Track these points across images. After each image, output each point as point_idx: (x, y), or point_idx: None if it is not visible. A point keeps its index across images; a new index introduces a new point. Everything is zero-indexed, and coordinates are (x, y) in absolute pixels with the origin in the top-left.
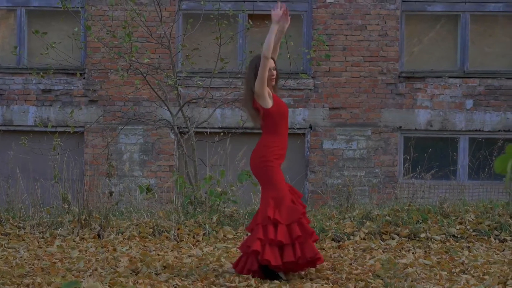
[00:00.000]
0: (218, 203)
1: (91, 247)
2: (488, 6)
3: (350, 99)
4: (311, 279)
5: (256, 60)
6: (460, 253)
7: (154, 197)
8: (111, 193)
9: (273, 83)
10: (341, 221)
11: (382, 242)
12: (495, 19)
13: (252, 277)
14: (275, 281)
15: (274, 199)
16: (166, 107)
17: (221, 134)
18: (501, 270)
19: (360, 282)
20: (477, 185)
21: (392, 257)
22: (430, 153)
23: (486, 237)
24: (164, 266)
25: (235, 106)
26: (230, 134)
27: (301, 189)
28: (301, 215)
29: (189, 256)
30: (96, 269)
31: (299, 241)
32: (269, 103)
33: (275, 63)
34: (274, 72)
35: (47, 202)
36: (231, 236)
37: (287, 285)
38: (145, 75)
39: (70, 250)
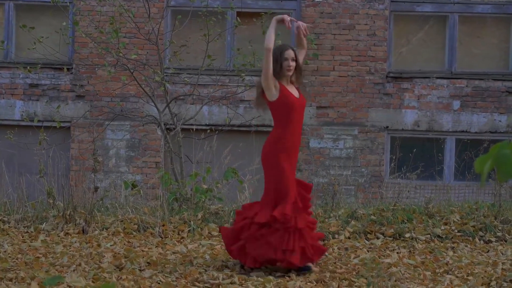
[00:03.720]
0: (203, 200)
1: (75, 242)
2: (476, 7)
3: (338, 98)
4: (296, 277)
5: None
6: (445, 254)
7: (139, 193)
8: (96, 189)
9: (289, 73)
10: (326, 220)
11: (366, 242)
12: (483, 21)
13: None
14: (260, 278)
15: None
16: (153, 104)
17: (208, 131)
18: (485, 271)
19: (344, 281)
20: (462, 186)
21: (377, 256)
22: (416, 154)
23: (470, 238)
24: (148, 262)
25: (222, 104)
26: (217, 132)
27: None
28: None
29: (174, 252)
30: (80, 264)
31: None
32: (273, 95)
33: (295, 54)
34: (292, 63)
35: (32, 196)
36: (216, 233)
37: (271, 283)
38: (132, 71)
39: (54, 245)
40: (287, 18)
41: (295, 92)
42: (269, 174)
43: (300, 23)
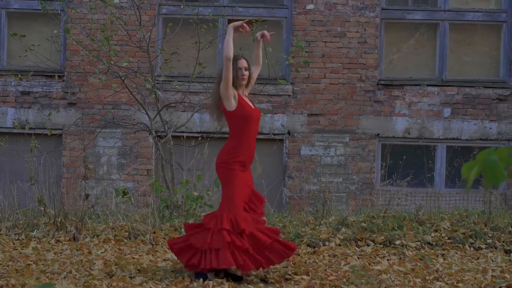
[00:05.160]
0: (194, 207)
1: (66, 249)
2: (467, 15)
3: (329, 106)
4: (286, 280)
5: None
6: (435, 261)
7: (130, 200)
8: (87, 196)
9: (244, 82)
10: (317, 227)
11: (357, 249)
12: (474, 28)
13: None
14: (250, 286)
15: (228, 208)
16: (144, 111)
17: (199, 138)
18: (475, 278)
19: None
20: (453, 193)
21: (367, 263)
22: (407, 161)
23: (461, 245)
24: (138, 270)
25: None
26: (208, 139)
27: (277, 195)
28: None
29: (164, 260)
30: (70, 272)
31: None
32: (232, 106)
33: (248, 64)
34: (246, 73)
35: (23, 204)
36: None
37: None
38: (123, 78)
39: (45, 252)
40: (244, 24)
41: (250, 103)
42: (223, 185)
43: (265, 32)
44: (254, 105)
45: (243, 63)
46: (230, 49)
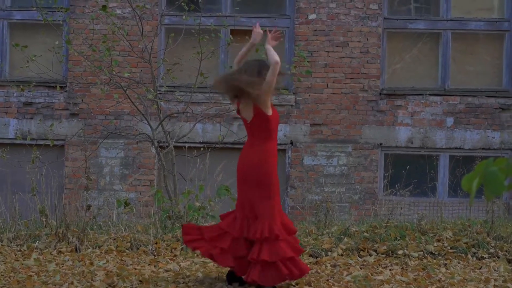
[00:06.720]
0: (196, 217)
1: (68, 260)
2: (469, 24)
3: (331, 116)
4: None
5: (260, 65)
6: (437, 270)
7: (132, 211)
8: (88, 207)
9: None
10: (319, 237)
11: (359, 259)
12: (476, 38)
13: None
14: None
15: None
16: (146, 121)
17: (202, 149)
18: None
19: None
20: (456, 202)
21: (369, 273)
22: (410, 170)
23: (463, 255)
24: (140, 281)
25: (216, 121)
26: (210, 149)
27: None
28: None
29: (166, 270)
30: (72, 283)
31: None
32: (269, 110)
33: None
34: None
35: (25, 215)
36: None
37: None
38: (125, 89)
39: (47, 263)
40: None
41: None
42: (268, 195)
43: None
44: None
45: None
46: (275, 55)
